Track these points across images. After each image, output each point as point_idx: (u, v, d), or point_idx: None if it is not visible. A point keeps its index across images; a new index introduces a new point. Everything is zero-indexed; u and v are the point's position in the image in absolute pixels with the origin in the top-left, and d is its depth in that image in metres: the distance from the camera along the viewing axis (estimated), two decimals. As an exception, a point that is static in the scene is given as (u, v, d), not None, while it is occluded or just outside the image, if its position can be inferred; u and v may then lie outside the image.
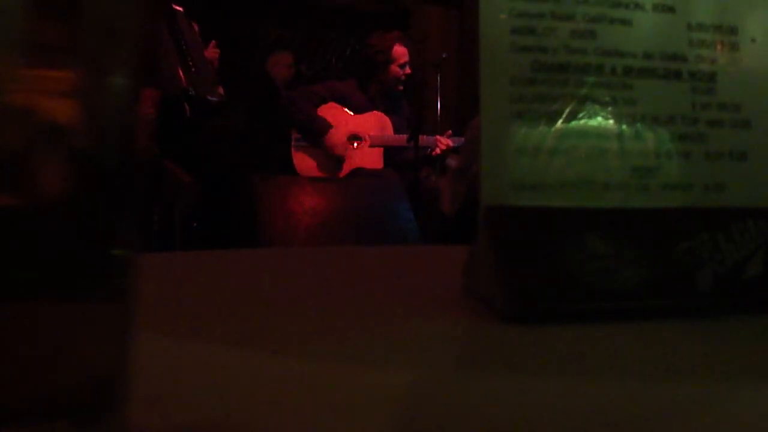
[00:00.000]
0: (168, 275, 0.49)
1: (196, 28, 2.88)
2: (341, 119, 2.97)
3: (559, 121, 0.39)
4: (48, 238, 0.17)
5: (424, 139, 2.93)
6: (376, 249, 0.85)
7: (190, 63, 2.69)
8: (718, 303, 0.38)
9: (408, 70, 3.00)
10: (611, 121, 0.40)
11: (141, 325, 0.20)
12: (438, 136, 2.98)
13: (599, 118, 0.40)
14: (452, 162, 2.80)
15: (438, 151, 2.95)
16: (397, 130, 2.99)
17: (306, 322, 0.37)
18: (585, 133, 0.39)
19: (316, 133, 2.92)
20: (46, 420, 0.17)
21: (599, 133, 0.40)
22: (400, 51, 2.99)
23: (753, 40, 0.42)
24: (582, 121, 0.39)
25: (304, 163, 2.99)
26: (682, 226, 0.39)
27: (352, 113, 2.99)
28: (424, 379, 0.27)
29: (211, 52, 3.03)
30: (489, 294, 0.38)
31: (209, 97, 2.78)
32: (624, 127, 0.40)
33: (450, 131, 3.00)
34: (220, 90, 2.96)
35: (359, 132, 2.97)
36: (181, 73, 2.63)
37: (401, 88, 3.01)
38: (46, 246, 0.17)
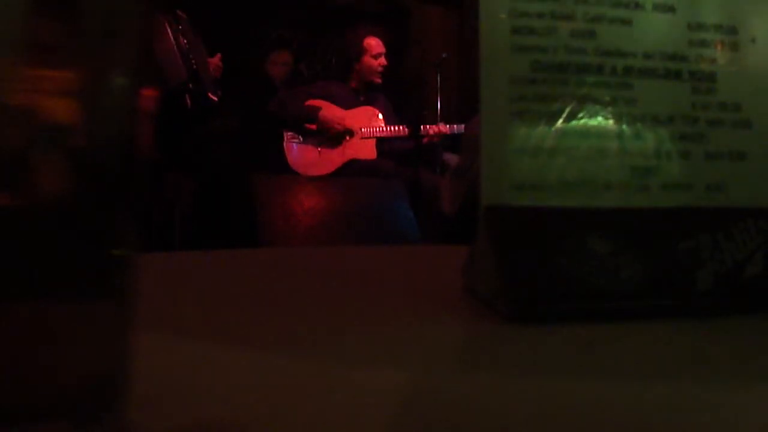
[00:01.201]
0: (168, 275, 0.49)
1: (200, 38, 2.91)
2: (332, 115, 3.00)
3: (559, 121, 0.39)
4: (48, 238, 0.17)
5: (426, 128, 2.96)
6: (376, 249, 0.85)
7: (192, 59, 2.71)
8: (718, 303, 0.38)
9: (383, 60, 3.02)
10: (611, 121, 0.40)
11: (141, 325, 0.20)
12: (431, 126, 2.99)
13: (599, 118, 0.40)
14: (452, 159, 2.81)
15: (433, 139, 2.96)
16: (387, 123, 3.02)
17: (306, 321, 0.37)
18: (585, 133, 0.39)
19: (308, 120, 2.95)
20: (46, 420, 0.17)
21: (599, 133, 0.40)
22: (372, 42, 3.03)
23: (753, 40, 0.42)
24: (582, 121, 0.39)
25: (297, 157, 3.00)
26: (682, 226, 0.39)
27: (342, 110, 3.01)
28: (425, 379, 0.27)
29: (216, 62, 3.05)
30: (489, 294, 0.38)
31: (209, 95, 2.79)
32: (624, 127, 0.40)
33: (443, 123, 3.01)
34: (219, 93, 2.98)
35: (351, 126, 3.00)
36: (182, 68, 2.65)
37: (378, 80, 3.03)
38: (46, 246, 0.17)
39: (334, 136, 2.97)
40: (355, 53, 3.04)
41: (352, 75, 3.06)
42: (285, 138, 3.03)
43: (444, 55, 3.52)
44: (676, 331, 0.35)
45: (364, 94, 3.06)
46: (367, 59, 3.02)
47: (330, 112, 2.95)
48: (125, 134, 0.19)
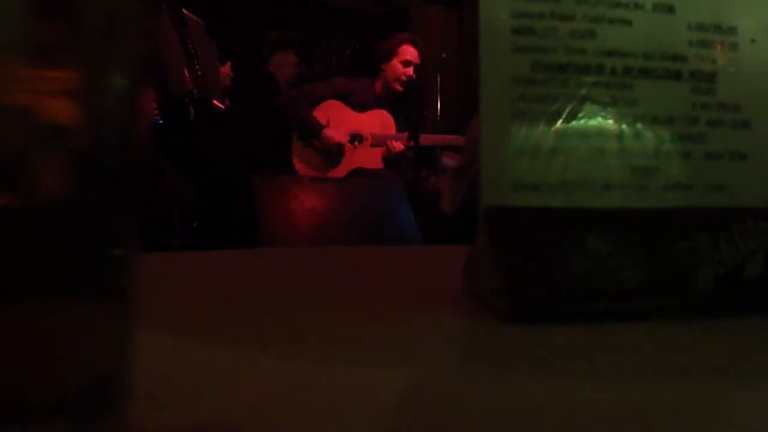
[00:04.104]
0: (168, 275, 0.49)
1: (213, 45, 2.91)
2: (342, 117, 2.97)
3: (559, 121, 0.39)
4: (48, 238, 0.17)
5: (425, 138, 2.93)
6: (376, 249, 0.85)
7: (197, 66, 2.69)
8: (718, 303, 0.38)
9: (410, 71, 2.97)
10: (611, 121, 0.40)
11: (141, 325, 0.20)
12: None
13: (599, 118, 0.40)
14: (450, 162, 2.81)
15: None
16: (400, 131, 2.98)
17: (305, 322, 0.37)
18: (585, 133, 0.39)
19: (309, 135, 2.93)
20: (46, 420, 0.17)
21: (599, 133, 0.40)
22: (407, 49, 2.97)
23: (753, 40, 0.42)
24: (582, 121, 0.39)
25: (305, 163, 2.99)
26: (682, 226, 0.39)
27: (354, 112, 2.98)
28: (424, 379, 0.27)
29: (226, 71, 3.05)
30: (489, 294, 0.38)
31: (215, 102, 2.78)
32: (624, 127, 0.40)
33: (407, 133, 2.95)
34: (227, 102, 2.97)
35: (360, 131, 2.97)
36: (186, 75, 2.64)
37: (399, 88, 2.99)
38: (46, 246, 0.17)
39: (334, 156, 2.96)
40: (386, 53, 3.00)
41: (379, 76, 3.02)
42: (293, 141, 3.01)
43: (444, 56, 3.52)
44: (676, 331, 0.35)
45: (388, 102, 3.01)
46: (395, 62, 2.96)
47: (333, 133, 2.92)
48: (126, 134, 0.19)
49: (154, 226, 2.31)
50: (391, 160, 2.95)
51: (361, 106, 2.98)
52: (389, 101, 3.01)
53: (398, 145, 2.92)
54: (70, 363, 0.18)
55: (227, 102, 2.96)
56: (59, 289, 0.18)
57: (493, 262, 0.37)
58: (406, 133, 2.91)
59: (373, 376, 0.28)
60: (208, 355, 0.30)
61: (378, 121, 3.00)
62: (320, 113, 2.98)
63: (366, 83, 3.03)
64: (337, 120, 2.97)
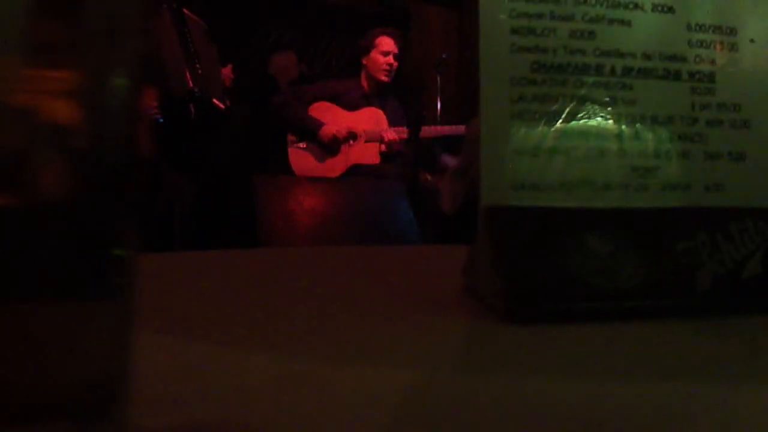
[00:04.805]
0: (168, 275, 0.49)
1: (214, 46, 2.92)
2: (335, 118, 2.99)
3: (559, 121, 0.39)
4: (48, 238, 0.17)
5: (426, 129, 2.95)
6: (376, 249, 0.85)
7: (197, 66, 2.69)
8: (718, 303, 0.38)
9: (390, 59, 3.00)
10: (611, 121, 0.40)
11: (141, 325, 0.20)
12: (430, 127, 2.99)
13: (599, 118, 0.40)
14: (450, 161, 2.81)
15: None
16: (392, 125, 3.00)
17: (305, 322, 0.37)
18: (585, 133, 0.40)
19: (309, 132, 2.95)
20: (46, 420, 0.17)
21: (599, 133, 0.40)
22: (383, 40, 3.01)
23: (752, 41, 0.42)
24: (582, 121, 0.39)
25: (302, 162, 3.00)
26: (681, 226, 0.39)
27: (345, 111, 3.00)
28: (424, 379, 0.28)
29: (228, 72, 3.05)
30: (489, 294, 0.38)
31: (215, 101, 2.79)
32: (624, 127, 0.40)
33: (404, 128, 2.96)
34: (227, 102, 2.98)
35: (353, 129, 2.99)
36: (187, 74, 2.64)
37: (384, 78, 3.00)
38: (46, 246, 0.17)
39: (335, 150, 2.98)
40: (364, 47, 3.04)
41: (361, 72, 3.06)
42: (289, 141, 3.03)
43: (444, 56, 3.52)
44: (676, 331, 0.35)
45: (376, 97, 3.04)
46: (375, 54, 3.01)
47: (332, 127, 2.94)
48: (126, 134, 0.19)
49: (154, 226, 2.30)
50: (388, 153, 2.96)
51: (352, 106, 3.01)
52: (377, 95, 3.03)
53: (391, 135, 2.94)
54: (70, 363, 0.18)
55: (228, 102, 2.97)
56: (59, 289, 0.18)
57: (493, 262, 0.37)
58: (400, 127, 2.93)
59: (373, 376, 0.28)
60: (208, 355, 0.30)
61: (370, 118, 3.02)
62: (313, 115, 3.00)
63: (355, 83, 3.06)
64: (330, 121, 2.99)
